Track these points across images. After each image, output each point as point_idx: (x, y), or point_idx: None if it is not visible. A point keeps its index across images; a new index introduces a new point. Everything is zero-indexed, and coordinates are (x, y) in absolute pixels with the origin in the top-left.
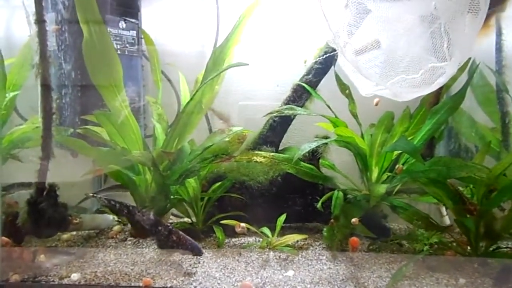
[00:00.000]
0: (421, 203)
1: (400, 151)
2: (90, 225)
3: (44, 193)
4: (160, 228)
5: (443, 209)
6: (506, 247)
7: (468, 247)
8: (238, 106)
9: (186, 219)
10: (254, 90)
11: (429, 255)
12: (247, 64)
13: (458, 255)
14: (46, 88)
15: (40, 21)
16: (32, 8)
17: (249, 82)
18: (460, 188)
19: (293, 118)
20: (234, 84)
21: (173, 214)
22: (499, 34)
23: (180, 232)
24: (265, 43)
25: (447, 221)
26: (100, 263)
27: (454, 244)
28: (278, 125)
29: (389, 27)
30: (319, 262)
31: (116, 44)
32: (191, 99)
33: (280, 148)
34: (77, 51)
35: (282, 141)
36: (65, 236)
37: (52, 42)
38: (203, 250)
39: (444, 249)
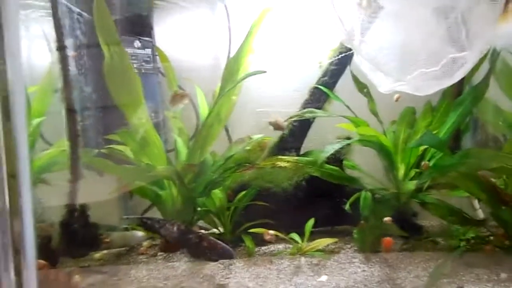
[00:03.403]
0: (452, 198)
1: (425, 146)
2: (120, 242)
3: (76, 214)
4: (190, 236)
5: (476, 202)
6: None
7: (506, 240)
8: (256, 113)
9: (214, 230)
10: (271, 96)
11: (466, 251)
12: (265, 72)
13: (496, 249)
14: (71, 112)
15: (61, 48)
16: (52, 35)
17: (266, 89)
18: (493, 180)
19: (313, 121)
20: (251, 92)
21: (200, 227)
22: None
23: (211, 237)
24: (279, 49)
25: (480, 214)
26: (133, 280)
27: (491, 238)
28: (298, 130)
29: (404, 21)
30: (352, 265)
31: (133, 63)
32: (211, 111)
33: (301, 152)
34: (96, 73)
35: (303, 145)
36: (97, 255)
37: (72, 67)
38: (235, 256)
39: (481, 243)
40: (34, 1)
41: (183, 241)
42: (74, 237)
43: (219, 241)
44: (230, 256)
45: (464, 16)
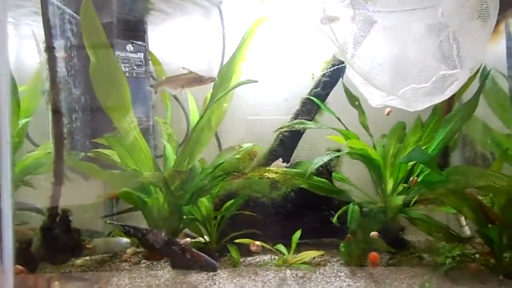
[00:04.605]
0: (438, 213)
1: (414, 161)
2: (103, 249)
3: (57, 218)
4: (174, 247)
5: (462, 219)
6: None
7: (492, 259)
8: (246, 120)
9: (200, 239)
10: (262, 105)
11: (452, 268)
12: (256, 81)
13: (482, 267)
14: (56, 113)
15: (49, 48)
16: (41, 36)
17: (257, 97)
18: (480, 198)
19: (303, 132)
20: (242, 99)
21: (187, 234)
22: (509, 39)
23: (194, 250)
24: (272, 58)
25: (467, 231)
26: (115, 287)
27: (477, 255)
28: (289, 140)
29: (396, 37)
30: (337, 279)
31: (124, 67)
32: (201, 118)
33: (291, 163)
34: (86, 76)
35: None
36: (79, 261)
37: (61, 68)
38: (218, 268)
39: (467, 261)
40: (25, 2)
41: (166, 252)
42: (55, 242)
43: (202, 254)
44: (213, 269)
45: (456, 35)
